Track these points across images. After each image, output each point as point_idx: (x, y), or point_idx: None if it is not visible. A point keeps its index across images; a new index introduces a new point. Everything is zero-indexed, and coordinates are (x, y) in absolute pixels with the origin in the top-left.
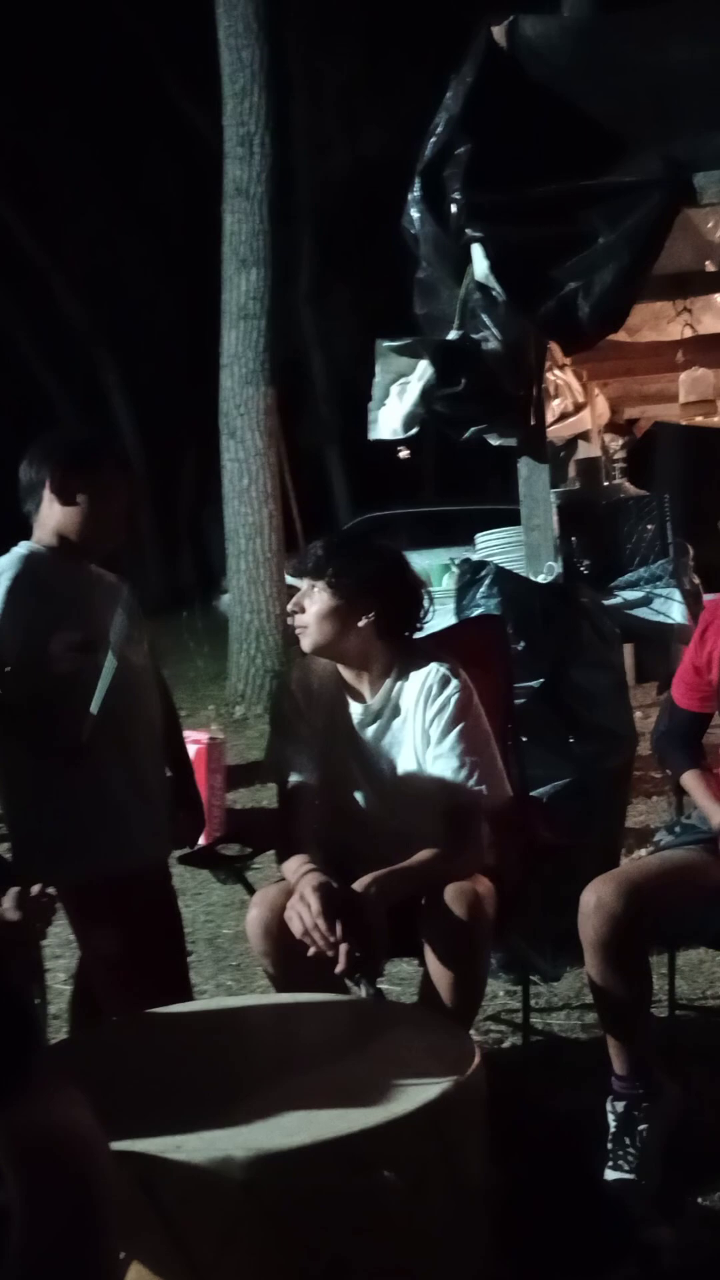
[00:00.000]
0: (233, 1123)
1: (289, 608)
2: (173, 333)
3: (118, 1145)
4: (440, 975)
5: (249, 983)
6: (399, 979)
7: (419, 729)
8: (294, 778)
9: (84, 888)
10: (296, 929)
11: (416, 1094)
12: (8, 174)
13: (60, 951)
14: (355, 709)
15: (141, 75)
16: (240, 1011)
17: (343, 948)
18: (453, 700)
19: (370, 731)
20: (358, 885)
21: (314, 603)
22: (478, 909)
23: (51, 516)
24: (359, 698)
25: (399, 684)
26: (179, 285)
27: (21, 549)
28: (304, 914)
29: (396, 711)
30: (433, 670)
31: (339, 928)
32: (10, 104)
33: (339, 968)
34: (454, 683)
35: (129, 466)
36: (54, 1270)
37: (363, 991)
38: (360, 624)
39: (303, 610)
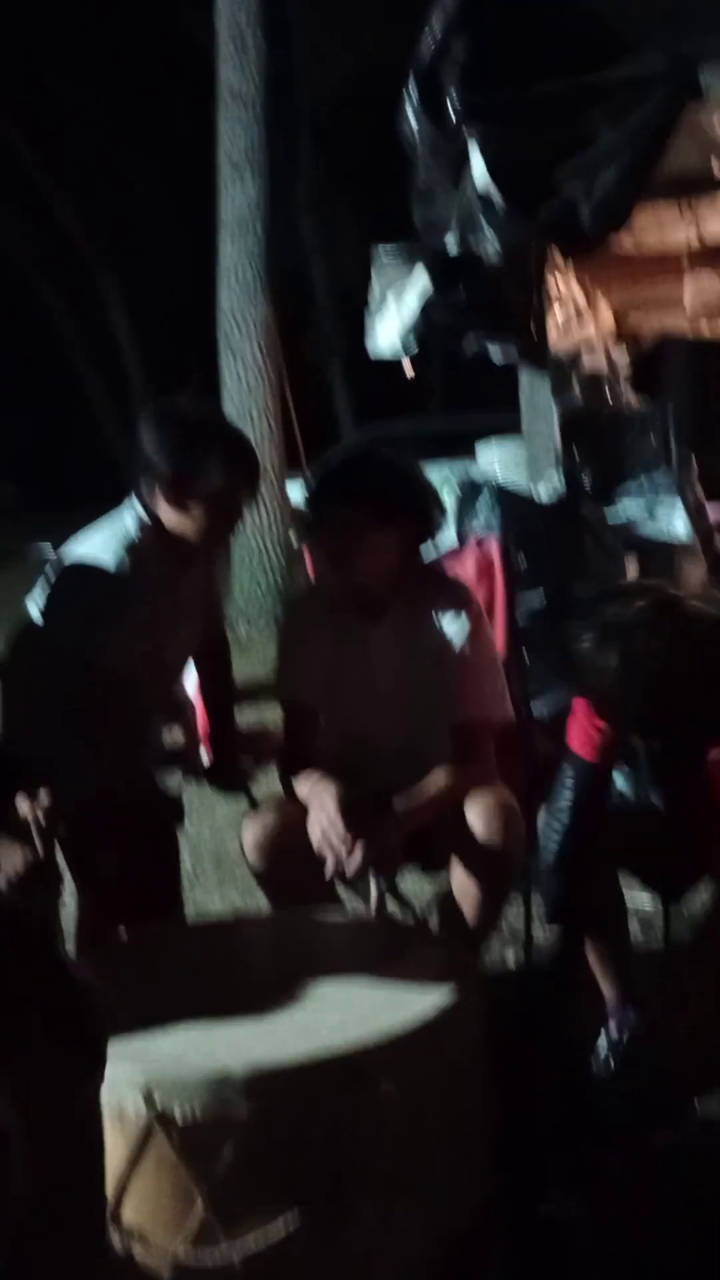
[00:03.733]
0: (233, 1037)
1: (319, 539)
2: (172, 245)
3: (120, 1060)
4: (467, 890)
5: (254, 900)
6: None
7: (430, 650)
8: (300, 700)
9: (81, 804)
10: (316, 835)
11: (416, 1008)
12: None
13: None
14: (366, 630)
15: None
16: (241, 927)
17: (359, 845)
18: (464, 622)
19: (381, 652)
20: (387, 811)
21: (347, 532)
22: (511, 821)
23: (162, 509)
24: (372, 618)
25: (412, 605)
26: (179, 196)
27: (127, 530)
28: (323, 819)
29: (408, 632)
30: (445, 592)
31: (356, 837)
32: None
33: (352, 868)
34: (466, 605)
35: (247, 469)
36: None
37: (373, 892)
38: (388, 550)
39: (338, 539)
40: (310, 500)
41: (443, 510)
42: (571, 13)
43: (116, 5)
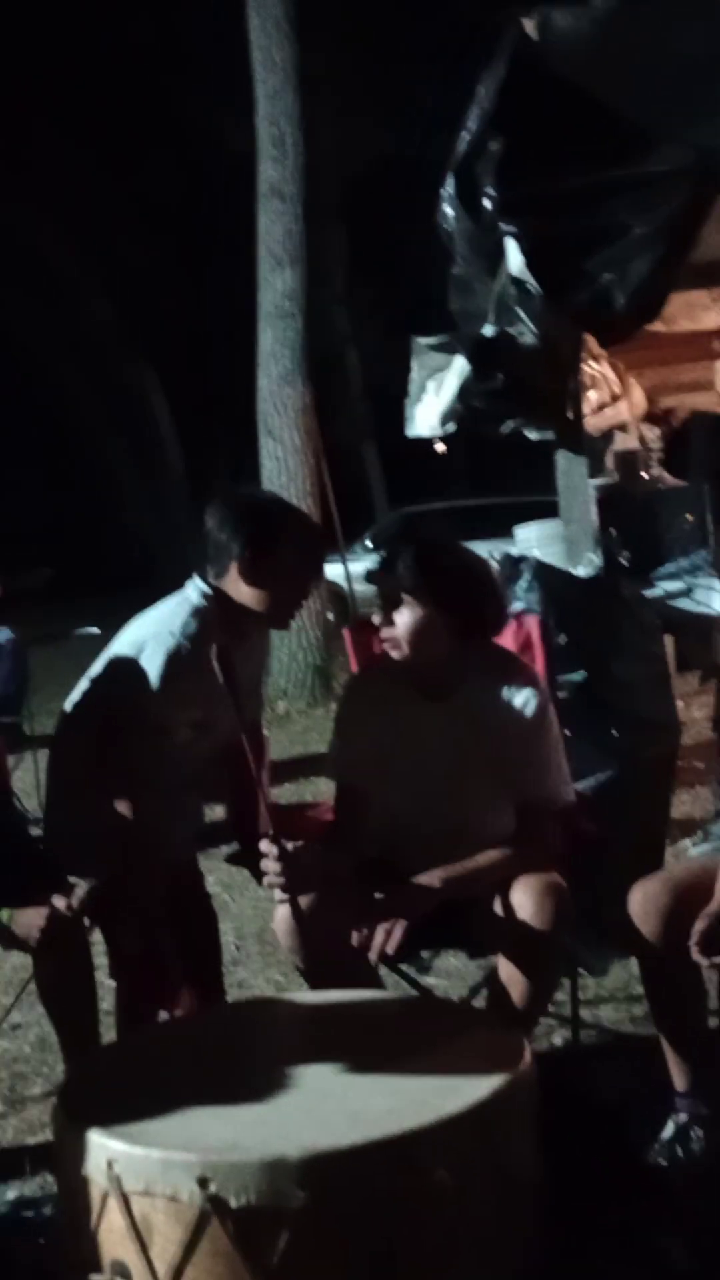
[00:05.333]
0: (286, 1122)
1: (375, 620)
2: (209, 334)
3: (174, 1145)
4: (514, 977)
5: (298, 978)
6: (446, 973)
7: (495, 731)
8: (354, 780)
9: (113, 885)
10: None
11: (468, 1092)
12: (43, 184)
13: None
14: (428, 711)
15: (172, 79)
16: (290, 1008)
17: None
18: (532, 702)
19: (443, 733)
20: (423, 877)
21: (406, 615)
22: (561, 904)
23: (237, 589)
24: (433, 699)
25: (476, 685)
26: (214, 287)
27: (200, 608)
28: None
29: (472, 713)
30: (510, 672)
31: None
32: (44, 113)
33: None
34: (532, 685)
35: (319, 549)
36: None
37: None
38: (448, 632)
39: (392, 622)
40: (375, 583)
41: (504, 600)
42: (601, 109)
43: (159, 103)
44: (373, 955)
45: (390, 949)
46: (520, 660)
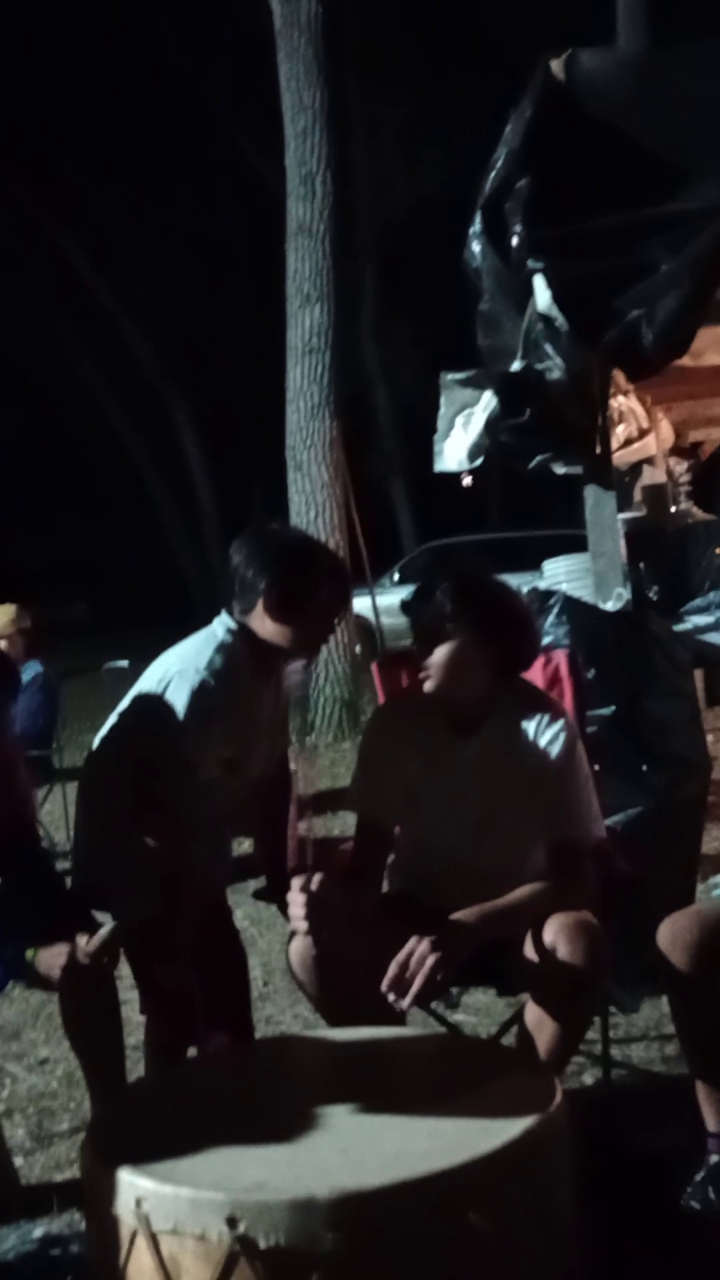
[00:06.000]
0: (317, 1163)
1: (413, 652)
2: (239, 370)
3: (204, 1184)
4: (545, 1017)
5: None
6: (475, 1009)
7: (524, 768)
8: (377, 815)
9: (144, 921)
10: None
11: (500, 1133)
12: (77, 220)
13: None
14: (456, 747)
15: (203, 120)
16: (319, 1045)
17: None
18: (561, 739)
19: (471, 770)
20: (461, 915)
21: (444, 649)
22: (595, 943)
23: (263, 625)
24: (460, 733)
25: (504, 721)
26: (244, 323)
27: (227, 644)
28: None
29: (500, 750)
30: (540, 708)
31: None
32: (76, 151)
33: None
34: (561, 721)
35: (345, 585)
36: None
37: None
38: (485, 665)
39: (431, 655)
40: (412, 614)
41: (538, 633)
42: (628, 149)
43: (189, 143)
44: (406, 1002)
45: (430, 1001)
46: (548, 696)
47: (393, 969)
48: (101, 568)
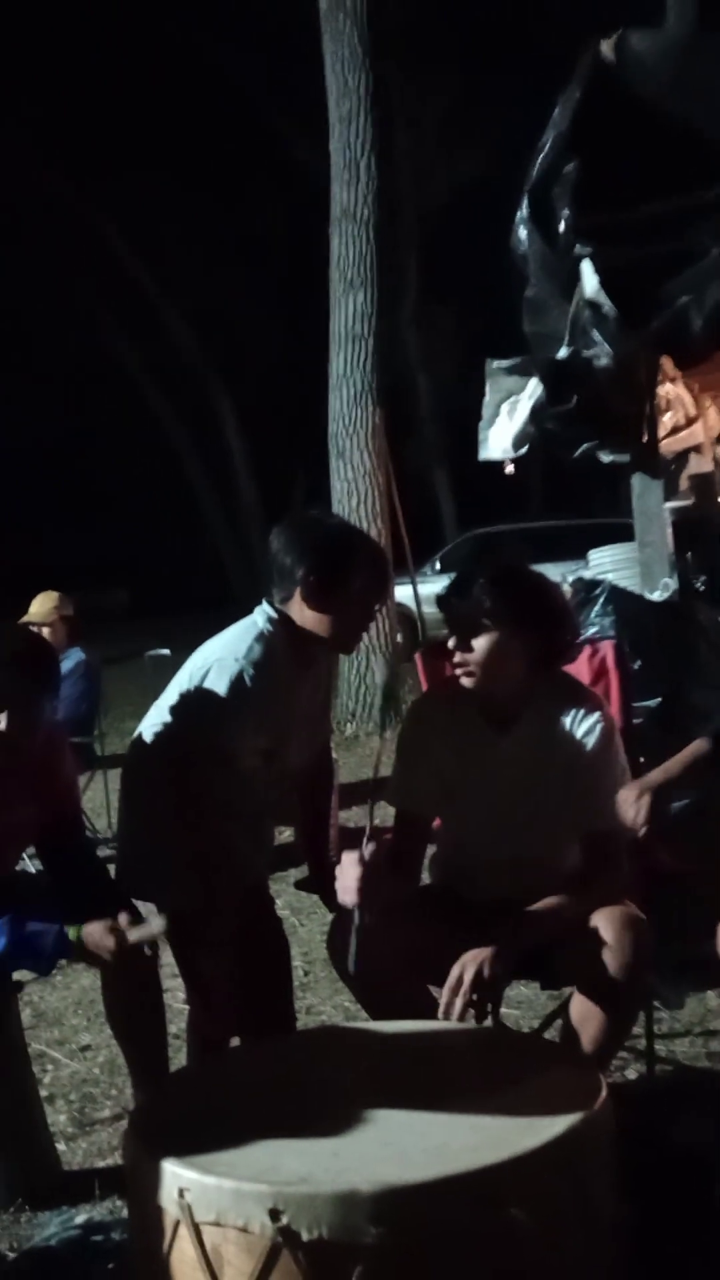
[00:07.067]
0: (360, 1156)
1: (450, 645)
2: (282, 357)
3: (246, 1175)
4: (590, 1012)
5: None
6: (517, 1002)
7: (561, 761)
8: (415, 807)
9: (189, 911)
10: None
11: (545, 1129)
12: (119, 208)
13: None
14: (494, 739)
15: (247, 105)
16: (361, 1037)
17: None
18: (597, 730)
19: (508, 762)
20: (501, 935)
21: (482, 642)
22: (640, 937)
23: (301, 613)
24: (500, 727)
25: (542, 714)
26: (287, 310)
27: (266, 633)
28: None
29: (538, 743)
30: (577, 701)
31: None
32: (118, 139)
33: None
34: (598, 713)
35: (384, 573)
36: None
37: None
38: (523, 659)
39: (469, 649)
40: (447, 608)
41: (577, 626)
42: (678, 132)
43: (232, 129)
44: (455, 1014)
45: (482, 1020)
46: (586, 688)
47: (444, 996)
48: (142, 556)
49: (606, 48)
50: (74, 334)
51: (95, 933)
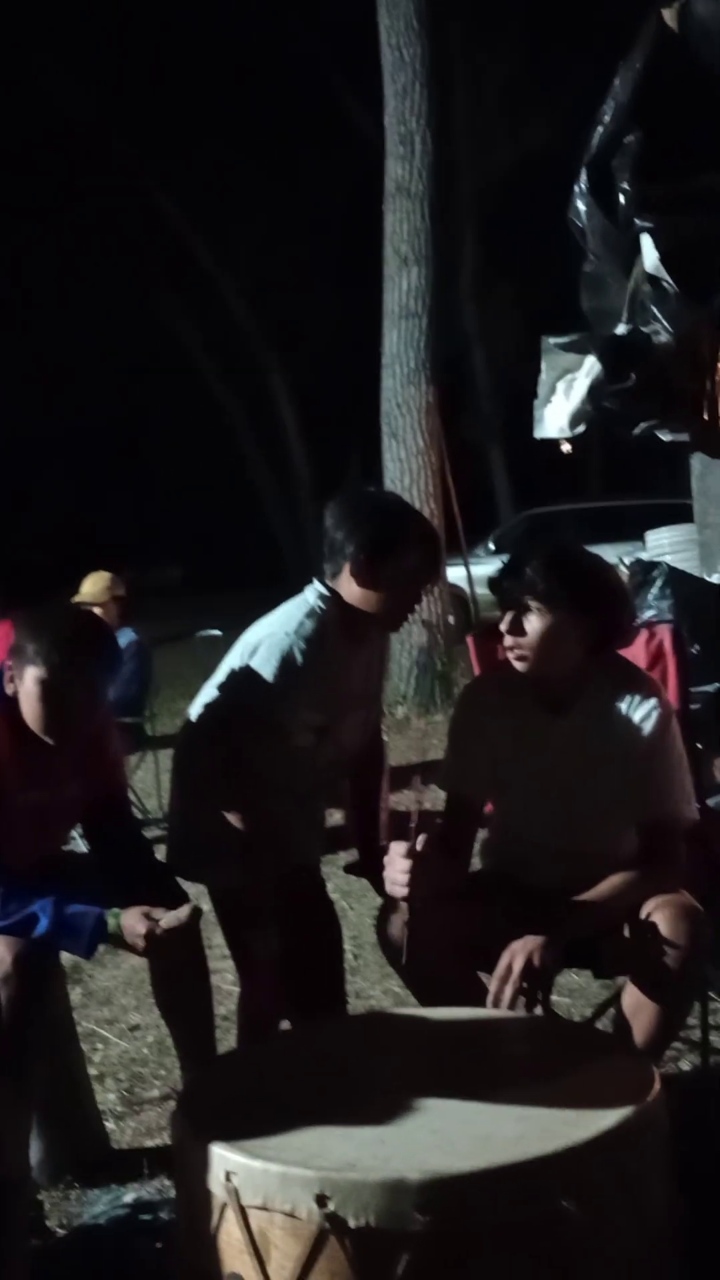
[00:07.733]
0: (408, 1143)
1: (502, 628)
2: (336, 333)
3: (294, 1161)
4: (644, 1002)
5: None
6: (569, 990)
7: (616, 746)
8: (466, 791)
9: (241, 892)
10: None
11: (596, 1121)
12: (176, 183)
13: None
14: (548, 724)
15: (305, 77)
16: (411, 1023)
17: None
18: (654, 716)
19: (562, 747)
20: (552, 923)
21: (535, 625)
22: (697, 927)
23: (350, 589)
24: (555, 711)
25: (598, 698)
26: (342, 286)
27: (318, 610)
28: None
29: (593, 728)
30: (633, 686)
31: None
32: (176, 113)
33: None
34: (655, 699)
35: (436, 551)
36: None
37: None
38: (578, 642)
39: (522, 632)
40: (500, 590)
41: (634, 609)
42: None
43: (296, 105)
44: (505, 1003)
45: (532, 1010)
46: (644, 673)
47: (494, 985)
48: (196, 532)
49: (669, 16)
50: (133, 311)
51: (131, 920)
